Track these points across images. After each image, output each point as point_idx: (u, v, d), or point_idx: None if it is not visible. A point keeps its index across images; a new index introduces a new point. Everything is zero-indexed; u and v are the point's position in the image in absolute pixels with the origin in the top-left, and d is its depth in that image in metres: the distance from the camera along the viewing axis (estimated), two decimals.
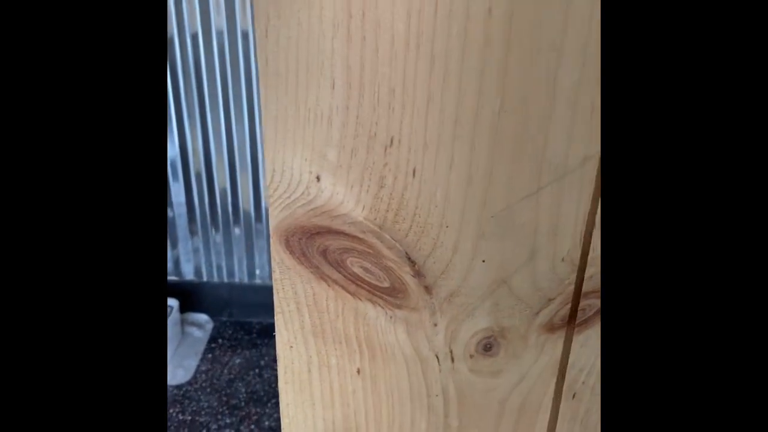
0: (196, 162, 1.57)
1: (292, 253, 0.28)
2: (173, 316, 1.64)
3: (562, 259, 0.28)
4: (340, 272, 0.29)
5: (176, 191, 1.65)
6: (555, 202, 0.26)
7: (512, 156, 0.26)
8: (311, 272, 0.29)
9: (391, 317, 0.29)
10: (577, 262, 0.28)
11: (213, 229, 1.70)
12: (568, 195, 0.26)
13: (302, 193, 0.27)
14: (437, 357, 0.30)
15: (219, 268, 1.75)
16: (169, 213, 1.73)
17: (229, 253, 1.72)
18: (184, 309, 1.74)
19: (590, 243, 0.27)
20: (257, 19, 0.24)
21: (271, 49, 0.25)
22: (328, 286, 0.29)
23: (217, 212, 1.66)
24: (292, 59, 0.25)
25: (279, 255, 0.29)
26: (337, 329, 0.30)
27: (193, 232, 1.72)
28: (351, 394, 0.31)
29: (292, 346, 0.31)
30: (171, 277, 1.77)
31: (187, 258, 1.79)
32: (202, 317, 1.77)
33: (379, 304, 0.29)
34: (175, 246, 1.76)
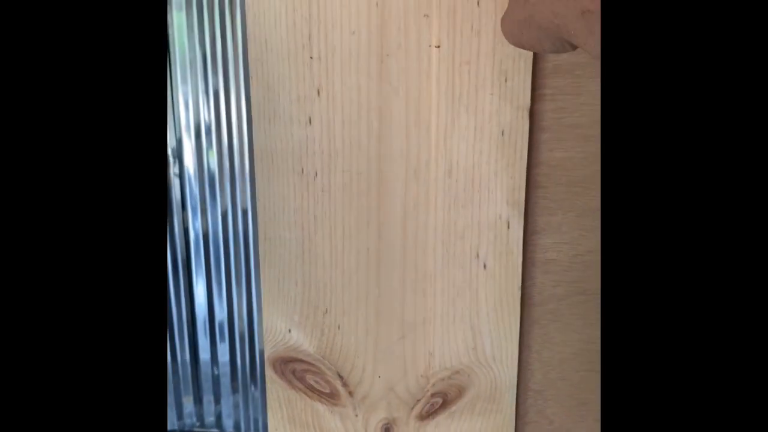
0: (240, 324, 1.83)
1: (275, 372, 0.52)
2: None
3: (421, 376, 0.50)
4: (302, 384, 0.52)
5: (222, 351, 1.89)
6: (410, 344, 0.50)
7: (390, 322, 0.49)
8: (286, 383, 0.52)
9: (331, 411, 0.52)
10: (429, 379, 0.50)
11: (252, 386, 1.91)
12: (418, 340, 0.50)
13: (281, 339, 0.51)
14: None
15: (256, 421, 1.93)
16: (215, 371, 1.95)
17: (265, 407, 1.91)
18: None
19: (431, 369, 0.50)
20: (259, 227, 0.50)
21: (266, 253, 0.50)
22: (296, 392, 0.52)
23: (256, 369, 1.88)
24: (273, 270, 0.50)
25: (269, 374, 0.52)
26: (303, 418, 0.52)
27: (234, 389, 1.93)
28: None
29: (277, 429, 0.53)
30: (212, 430, 1.95)
31: (228, 413, 1.98)
32: None
33: (324, 403, 0.52)
34: (218, 402, 1.96)
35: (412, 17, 0.44)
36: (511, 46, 0.43)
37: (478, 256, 0.48)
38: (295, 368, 0.52)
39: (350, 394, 0.51)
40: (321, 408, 0.52)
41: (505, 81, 0.44)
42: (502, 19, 0.40)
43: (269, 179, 0.48)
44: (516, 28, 0.38)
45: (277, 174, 0.48)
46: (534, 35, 0.37)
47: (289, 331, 0.51)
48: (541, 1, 0.35)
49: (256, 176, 0.49)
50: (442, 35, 0.44)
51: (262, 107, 0.47)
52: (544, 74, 0.45)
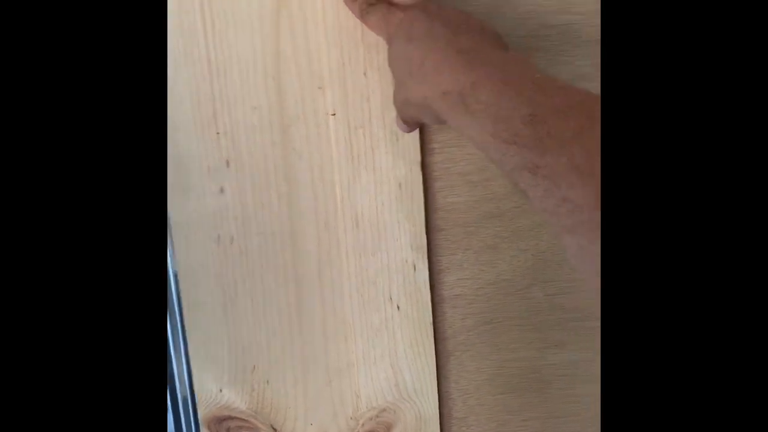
0: (182, 388, 1.79)
1: (210, 430, 0.54)
2: None
3: (351, 418, 0.53)
4: None
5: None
6: (337, 389, 0.53)
7: (316, 370, 0.53)
8: None
9: None
10: (358, 420, 0.53)
11: None
12: (344, 384, 0.53)
13: (213, 399, 0.53)
14: None
15: None
16: None
17: None
18: None
19: (359, 410, 0.53)
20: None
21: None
22: None
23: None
24: (199, 335, 0.52)
25: None
26: None
27: None
28: None
29: None
30: None
31: None
32: None
33: None
34: None
35: (307, 90, 0.48)
36: None
37: (391, 299, 0.52)
38: (229, 426, 0.54)
39: None
40: None
41: (397, 140, 0.49)
42: (393, 99, 0.45)
43: (187, 249, 0.51)
44: (402, 107, 0.44)
45: (194, 243, 0.51)
46: (415, 112, 0.42)
47: (221, 390, 0.53)
48: (413, 86, 0.40)
49: (174, 247, 0.51)
50: (336, 104, 0.49)
51: (176, 181, 0.50)
52: (431, 130, 0.51)
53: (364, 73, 0.48)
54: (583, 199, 0.29)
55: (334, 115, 0.49)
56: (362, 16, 0.45)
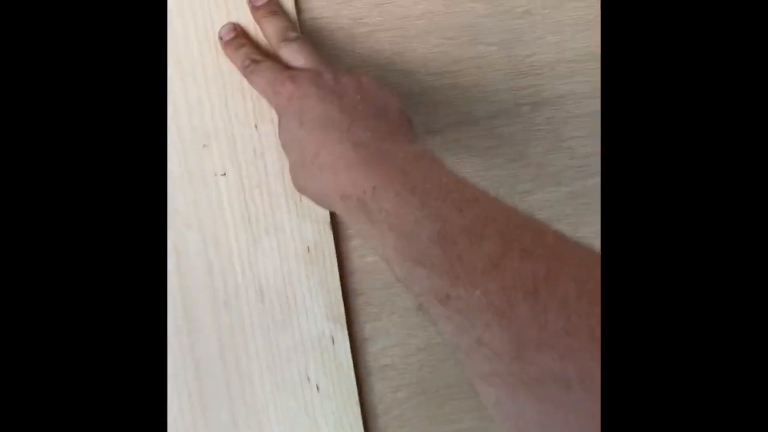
0: None
1: None
2: None
3: None
4: None
5: None
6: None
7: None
8: None
9: None
10: None
11: None
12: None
13: None
14: None
15: None
16: None
17: None
18: None
19: None
20: None
21: None
22: None
23: None
24: None
25: None
26: None
27: None
28: None
29: None
30: None
31: None
32: None
33: None
34: None
35: (190, 148, 0.42)
36: None
37: (308, 378, 0.46)
38: None
39: None
40: None
41: (301, 198, 0.43)
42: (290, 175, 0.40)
43: None
44: (299, 191, 0.38)
45: None
46: (314, 200, 0.38)
47: None
48: (308, 179, 0.35)
49: None
50: (226, 163, 0.43)
51: None
52: None
53: (255, 126, 0.42)
54: (501, 346, 0.24)
55: (224, 175, 0.43)
56: (245, 73, 0.39)
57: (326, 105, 0.34)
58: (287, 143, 0.37)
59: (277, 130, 0.42)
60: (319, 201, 0.37)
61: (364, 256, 0.46)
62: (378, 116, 0.34)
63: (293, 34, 0.39)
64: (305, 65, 0.37)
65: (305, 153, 0.34)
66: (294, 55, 0.38)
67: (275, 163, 0.43)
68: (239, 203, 0.43)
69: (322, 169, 0.33)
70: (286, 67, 0.38)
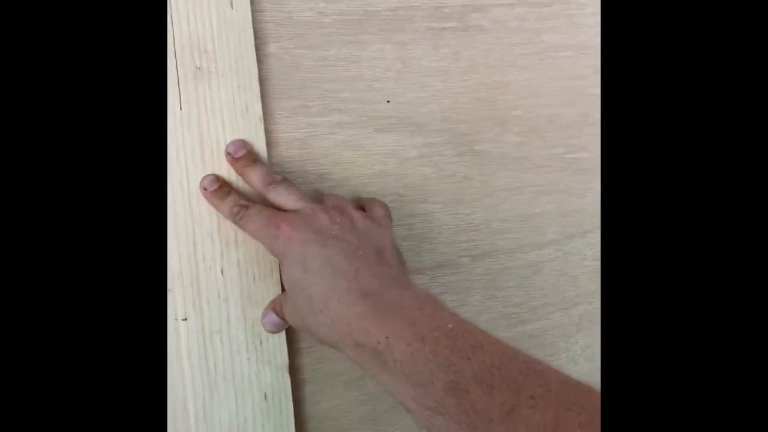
0: None
1: None
2: None
3: None
4: None
5: None
6: None
7: None
8: None
9: None
10: None
11: None
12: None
13: None
14: None
15: None
16: None
17: None
18: None
19: None
20: None
21: None
22: None
23: None
24: None
25: None
26: None
27: None
28: None
29: None
30: None
31: None
32: None
33: None
34: None
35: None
36: (261, 309, 0.43)
37: None
38: None
39: None
40: None
41: (261, 343, 0.43)
42: (287, 315, 0.40)
43: None
44: (306, 334, 0.39)
45: None
46: (324, 343, 0.37)
47: None
48: (320, 327, 0.36)
49: None
50: (188, 307, 0.42)
51: None
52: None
53: (222, 272, 0.43)
54: None
55: (185, 320, 0.42)
56: (235, 220, 0.40)
57: (328, 252, 0.36)
58: (291, 288, 0.37)
59: (241, 275, 0.43)
60: (327, 344, 0.37)
61: (318, 402, 0.46)
62: (379, 261, 0.36)
63: (278, 177, 0.40)
64: (295, 206, 0.39)
65: (314, 301, 0.35)
66: (282, 196, 0.39)
67: (239, 307, 0.43)
68: (198, 349, 0.42)
69: (333, 319, 0.34)
70: (277, 209, 0.39)
